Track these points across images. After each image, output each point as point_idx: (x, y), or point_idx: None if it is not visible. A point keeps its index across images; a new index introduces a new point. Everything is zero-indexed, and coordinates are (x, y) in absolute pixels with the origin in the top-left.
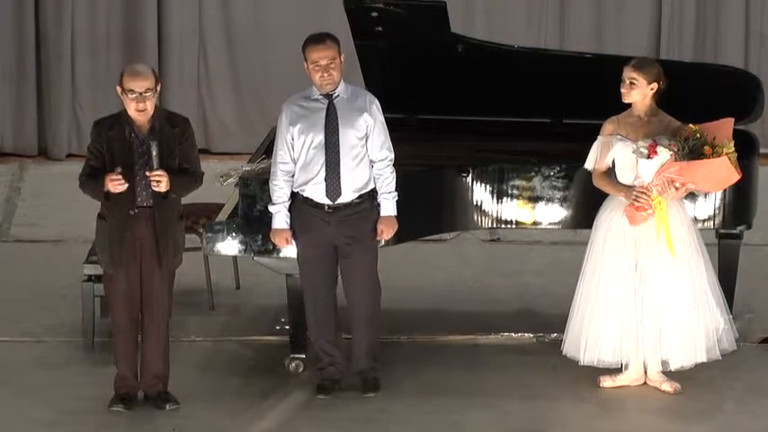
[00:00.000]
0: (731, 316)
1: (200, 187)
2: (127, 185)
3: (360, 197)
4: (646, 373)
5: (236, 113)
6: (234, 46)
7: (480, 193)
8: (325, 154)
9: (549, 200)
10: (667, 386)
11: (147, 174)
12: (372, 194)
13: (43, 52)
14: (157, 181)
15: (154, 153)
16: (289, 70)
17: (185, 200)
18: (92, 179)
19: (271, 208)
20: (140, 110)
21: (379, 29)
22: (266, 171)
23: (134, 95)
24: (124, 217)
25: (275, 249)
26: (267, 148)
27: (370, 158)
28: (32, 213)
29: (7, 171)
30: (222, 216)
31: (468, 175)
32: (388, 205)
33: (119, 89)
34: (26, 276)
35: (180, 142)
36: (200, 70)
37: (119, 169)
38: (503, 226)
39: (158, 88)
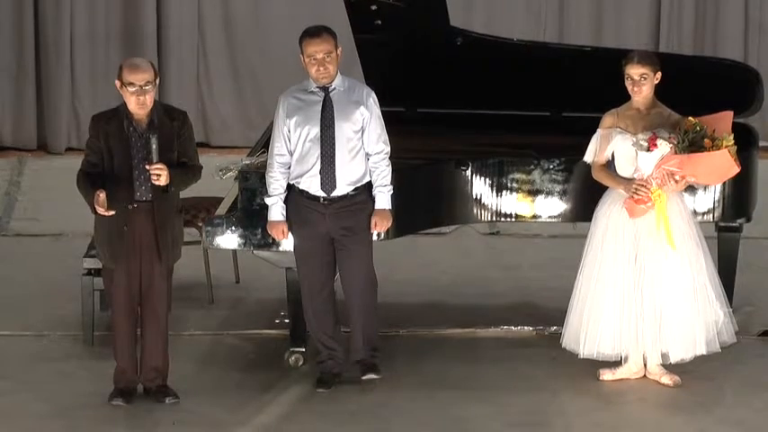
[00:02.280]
0: (731, 309)
1: (199, 181)
2: (112, 213)
3: (355, 190)
4: (645, 365)
5: (235, 107)
6: (233, 40)
7: (480, 187)
8: (321, 147)
9: (549, 193)
10: (667, 379)
11: (147, 167)
12: (368, 187)
13: (42, 47)
14: (157, 174)
15: (153, 147)
16: (288, 63)
17: (185, 194)
18: (86, 179)
19: (267, 200)
20: (141, 103)
21: (379, 22)
22: (265, 164)
23: (134, 89)
24: (123, 211)
25: (275, 243)
26: (266, 142)
27: (366, 151)
28: (32, 207)
29: (7, 165)
30: (222, 210)
31: (467, 169)
32: (382, 198)
33: (118, 83)
34: (26, 270)
35: (178, 135)
36: (199, 64)
37: (102, 195)
38: (502, 219)
39: (157, 81)
